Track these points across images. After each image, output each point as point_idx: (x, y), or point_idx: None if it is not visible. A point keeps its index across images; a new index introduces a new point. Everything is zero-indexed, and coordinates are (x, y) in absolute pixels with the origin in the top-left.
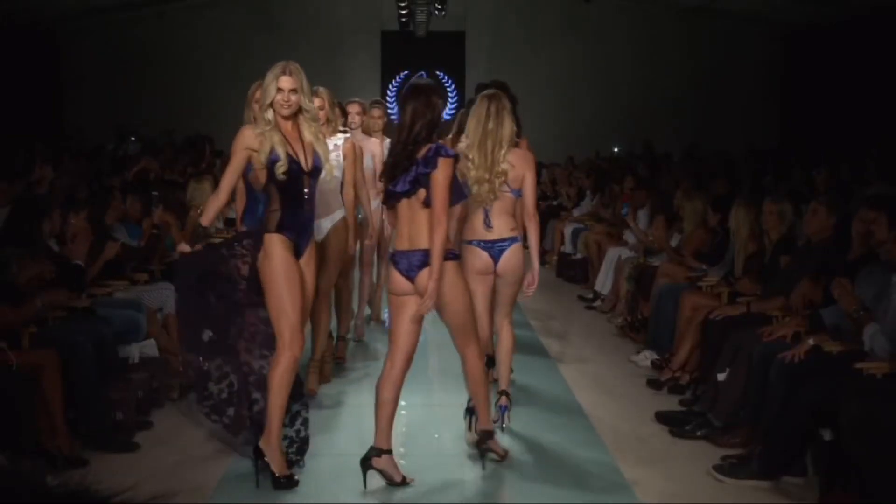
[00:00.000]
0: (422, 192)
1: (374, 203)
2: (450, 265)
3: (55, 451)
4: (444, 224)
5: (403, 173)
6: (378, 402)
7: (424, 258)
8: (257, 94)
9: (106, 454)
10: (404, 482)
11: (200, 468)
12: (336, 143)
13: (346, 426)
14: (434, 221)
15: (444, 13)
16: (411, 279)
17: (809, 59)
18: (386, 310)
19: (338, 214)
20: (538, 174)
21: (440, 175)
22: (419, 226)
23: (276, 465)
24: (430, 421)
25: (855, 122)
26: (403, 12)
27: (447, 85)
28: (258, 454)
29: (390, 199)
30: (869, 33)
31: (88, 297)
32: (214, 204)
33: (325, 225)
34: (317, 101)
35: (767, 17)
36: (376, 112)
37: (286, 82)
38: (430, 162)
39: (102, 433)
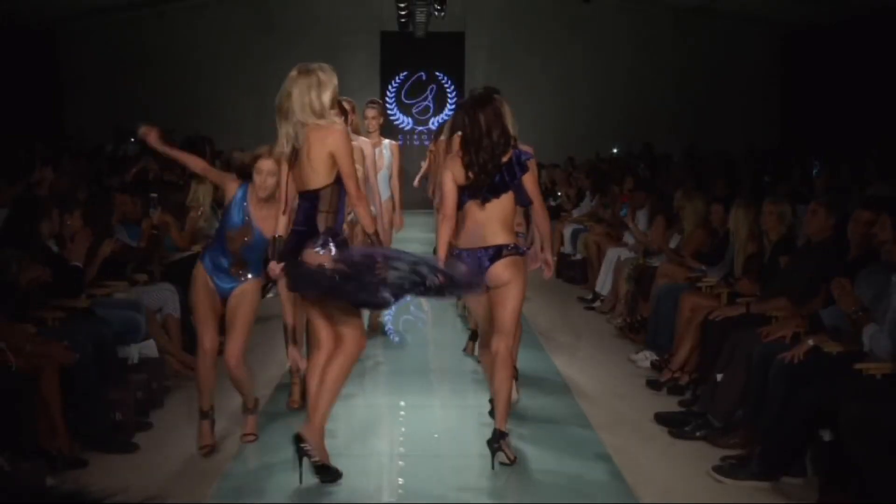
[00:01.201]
0: (509, 194)
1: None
2: (521, 260)
3: (55, 451)
4: (546, 211)
5: (491, 178)
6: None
7: (497, 252)
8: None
9: (105, 455)
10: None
11: (200, 469)
12: None
13: (343, 429)
14: (541, 210)
15: (443, 14)
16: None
17: (809, 59)
18: (386, 316)
19: None
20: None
21: (532, 175)
22: (494, 224)
23: (320, 454)
24: (430, 421)
25: (854, 122)
26: (403, 13)
27: (446, 86)
28: (300, 442)
29: (470, 200)
30: (868, 33)
31: (88, 298)
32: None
33: None
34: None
35: (766, 17)
36: (371, 112)
37: None
38: (523, 165)
39: (102, 434)
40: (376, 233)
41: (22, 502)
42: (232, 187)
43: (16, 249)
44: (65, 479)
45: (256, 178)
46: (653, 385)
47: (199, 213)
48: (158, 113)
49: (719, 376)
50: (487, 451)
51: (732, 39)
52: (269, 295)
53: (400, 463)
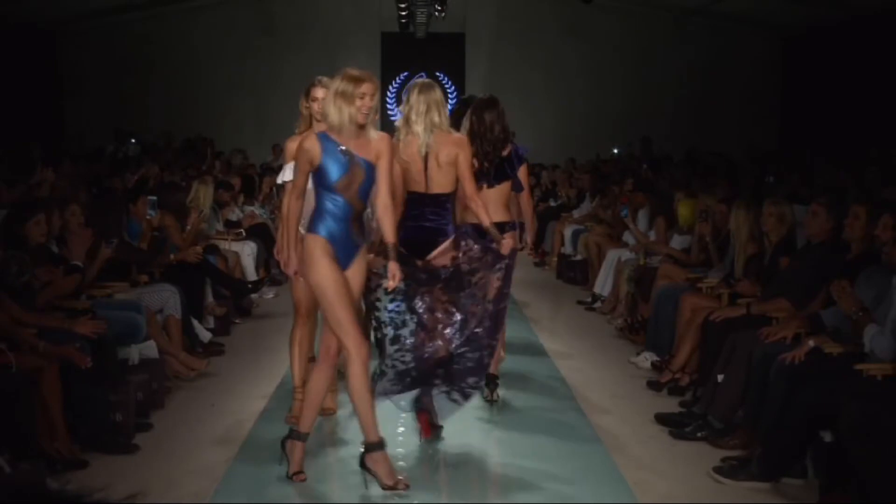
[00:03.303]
0: (509, 182)
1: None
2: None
3: (54, 452)
4: (531, 198)
5: (495, 167)
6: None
7: (503, 228)
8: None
9: (105, 456)
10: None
11: (200, 469)
12: None
13: (342, 430)
14: (528, 197)
15: (443, 14)
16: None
17: (808, 61)
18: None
19: None
20: (538, 176)
21: (525, 167)
22: (495, 204)
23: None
24: None
25: (854, 124)
26: (403, 13)
27: (446, 86)
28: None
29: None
30: (868, 35)
31: (88, 299)
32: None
33: None
34: (321, 92)
35: (766, 19)
36: None
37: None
38: (521, 158)
39: (102, 435)
40: (493, 224)
41: (22, 502)
42: (312, 145)
43: (15, 251)
44: (65, 480)
45: (357, 103)
46: (653, 386)
47: (201, 214)
48: (159, 114)
49: (720, 377)
50: (486, 451)
51: (732, 42)
52: (270, 296)
53: (400, 463)
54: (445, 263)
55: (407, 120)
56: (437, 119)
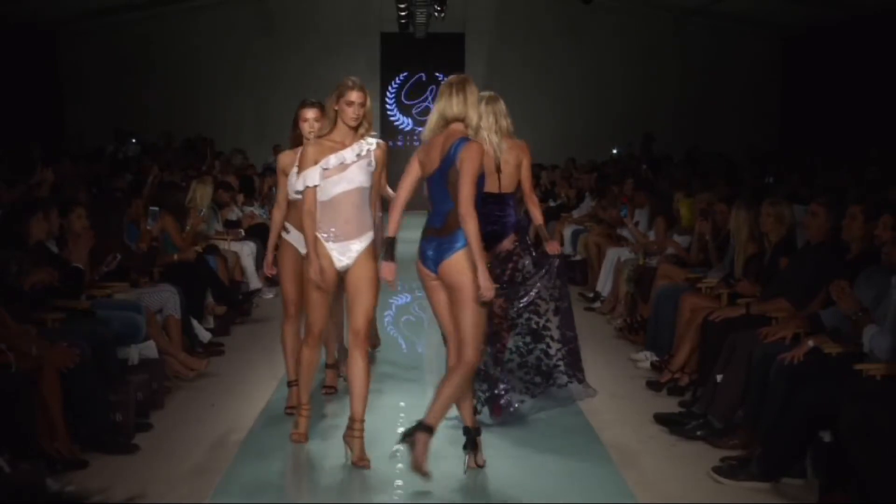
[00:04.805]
0: None
1: None
2: None
3: (54, 452)
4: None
5: None
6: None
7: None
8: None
9: (105, 456)
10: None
11: (200, 469)
12: (368, 148)
13: (342, 430)
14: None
15: (443, 15)
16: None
17: (807, 61)
18: (387, 317)
19: (369, 236)
20: (538, 176)
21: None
22: None
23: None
24: None
25: (854, 124)
26: (403, 14)
27: None
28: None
29: None
30: (868, 35)
31: (88, 299)
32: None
33: (354, 248)
34: (356, 95)
35: (766, 19)
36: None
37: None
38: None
39: (101, 435)
40: (542, 224)
41: (22, 502)
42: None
43: (16, 250)
44: (65, 480)
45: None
46: (653, 386)
47: (201, 214)
48: (159, 114)
49: (719, 377)
50: (485, 451)
51: (732, 42)
52: (270, 296)
53: (399, 466)
54: (509, 248)
55: (477, 130)
56: (504, 124)
